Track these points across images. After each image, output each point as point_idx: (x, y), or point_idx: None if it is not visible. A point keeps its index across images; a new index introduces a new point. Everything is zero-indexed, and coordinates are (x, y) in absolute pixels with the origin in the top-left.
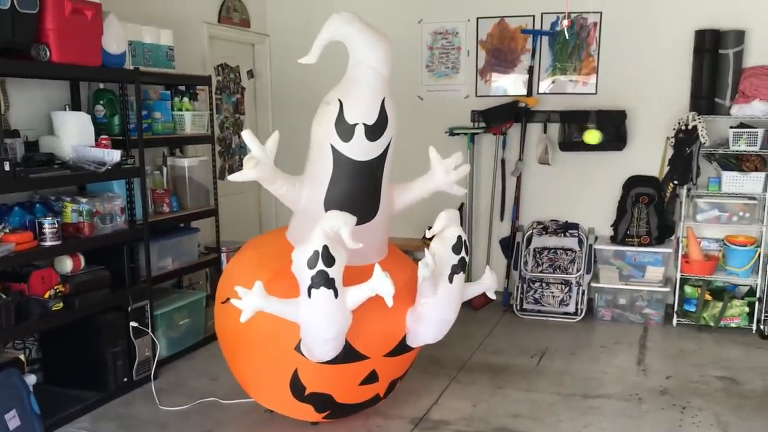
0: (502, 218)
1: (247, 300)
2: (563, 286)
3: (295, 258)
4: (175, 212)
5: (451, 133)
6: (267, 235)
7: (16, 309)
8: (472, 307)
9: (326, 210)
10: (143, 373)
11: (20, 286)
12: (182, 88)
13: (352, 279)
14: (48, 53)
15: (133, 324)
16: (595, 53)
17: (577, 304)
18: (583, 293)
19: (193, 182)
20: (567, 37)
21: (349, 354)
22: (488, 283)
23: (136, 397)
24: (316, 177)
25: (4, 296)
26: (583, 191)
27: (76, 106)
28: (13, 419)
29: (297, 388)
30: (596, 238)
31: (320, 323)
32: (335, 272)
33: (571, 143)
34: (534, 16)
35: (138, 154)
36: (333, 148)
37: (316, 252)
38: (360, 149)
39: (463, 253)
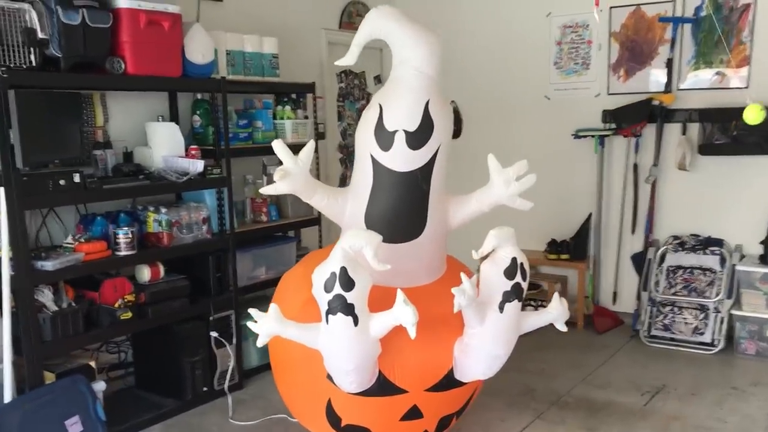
0: (633, 231)
1: (261, 324)
2: (698, 312)
3: (314, 279)
4: (273, 221)
5: (577, 135)
6: (325, 249)
7: (85, 316)
8: (595, 330)
9: (367, 225)
10: (225, 384)
11: (93, 294)
12: (291, 96)
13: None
14: (123, 66)
15: (213, 334)
16: (747, 40)
17: (713, 333)
18: (721, 321)
19: None
20: (597, 21)
21: (384, 387)
22: (555, 313)
23: (213, 407)
24: (359, 189)
25: (73, 304)
26: (729, 202)
27: (174, 116)
28: (74, 425)
29: (333, 417)
30: (742, 257)
31: (338, 353)
32: (355, 297)
33: (714, 146)
34: (674, 2)
35: (225, 164)
36: (372, 158)
37: (333, 274)
38: (401, 159)
39: (518, 278)
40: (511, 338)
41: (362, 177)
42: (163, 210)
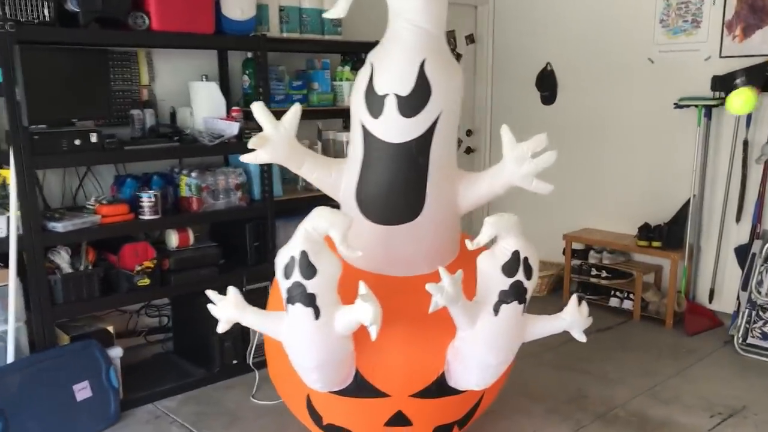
0: (738, 219)
1: (219, 308)
2: None
3: (276, 261)
4: None
5: (678, 105)
6: None
7: (103, 280)
8: (685, 331)
9: (358, 203)
10: (249, 359)
11: (114, 258)
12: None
13: (390, 295)
14: (147, 21)
15: None
16: None
17: None
18: None
19: None
20: None
21: (362, 388)
22: (570, 320)
23: (240, 382)
24: (352, 162)
25: (90, 267)
26: None
27: (223, 76)
28: (83, 390)
29: (314, 414)
30: None
31: (298, 347)
32: (317, 286)
33: None
34: None
35: None
36: (363, 125)
37: (292, 258)
38: (393, 127)
39: (519, 276)
40: (507, 346)
41: (354, 147)
42: (193, 174)
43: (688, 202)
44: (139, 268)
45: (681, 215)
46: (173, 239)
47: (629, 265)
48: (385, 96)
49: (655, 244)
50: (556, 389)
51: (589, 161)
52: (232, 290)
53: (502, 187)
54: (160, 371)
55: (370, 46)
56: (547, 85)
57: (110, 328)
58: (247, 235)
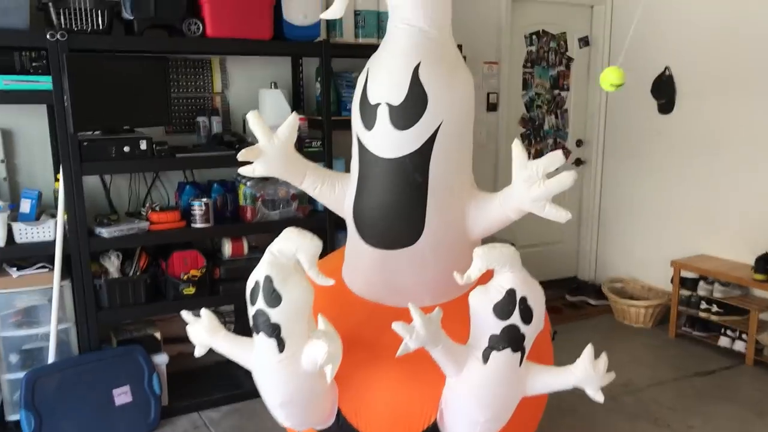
0: None
1: (193, 331)
2: None
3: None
4: None
5: None
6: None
7: (149, 286)
8: None
9: (355, 223)
10: None
11: (164, 265)
12: None
13: (386, 328)
14: (201, 28)
15: None
16: None
17: None
18: None
19: None
20: None
21: (345, 430)
22: (580, 376)
23: None
24: (352, 177)
25: (140, 272)
26: None
27: (296, 83)
28: (123, 395)
29: None
30: None
31: (263, 381)
32: (282, 316)
33: None
34: None
35: (326, 137)
36: (357, 137)
37: (257, 283)
38: (386, 141)
39: (514, 320)
40: (499, 401)
41: (353, 162)
42: (249, 183)
43: None
44: (185, 276)
45: None
46: (227, 248)
47: (745, 300)
48: (377, 105)
49: None
50: None
51: (706, 178)
52: (204, 313)
53: (513, 212)
54: (212, 380)
55: None
56: (664, 91)
57: (157, 334)
58: None
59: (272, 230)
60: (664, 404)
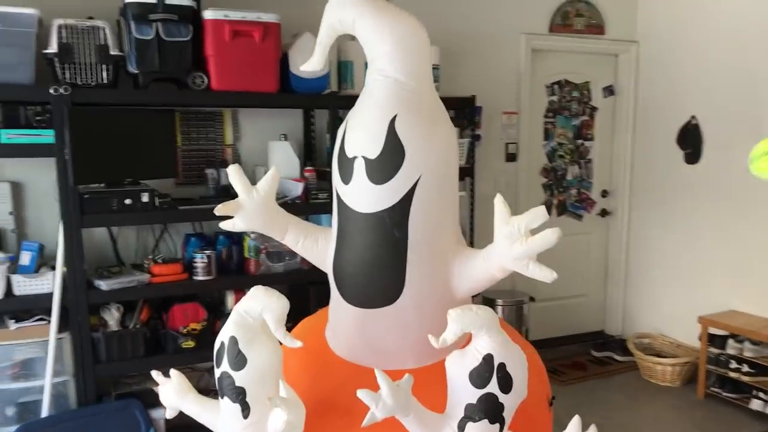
0: None
1: (162, 393)
2: None
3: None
4: None
5: None
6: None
7: (149, 340)
8: None
9: (335, 279)
10: None
11: (164, 318)
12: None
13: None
14: (206, 81)
15: None
16: None
17: None
18: None
19: None
20: None
21: None
22: None
23: None
24: (332, 232)
25: (140, 325)
26: None
27: (308, 134)
28: None
29: None
30: None
31: None
32: (247, 380)
33: None
34: None
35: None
36: (336, 192)
37: (222, 344)
38: (363, 195)
39: (491, 388)
40: None
41: (333, 217)
42: (253, 235)
43: None
44: (184, 329)
45: None
46: (230, 301)
47: None
48: (354, 159)
49: None
50: None
51: (735, 231)
52: (174, 374)
53: (497, 270)
54: None
55: (467, 102)
56: (690, 141)
57: (156, 389)
58: (310, 300)
59: (276, 282)
60: None
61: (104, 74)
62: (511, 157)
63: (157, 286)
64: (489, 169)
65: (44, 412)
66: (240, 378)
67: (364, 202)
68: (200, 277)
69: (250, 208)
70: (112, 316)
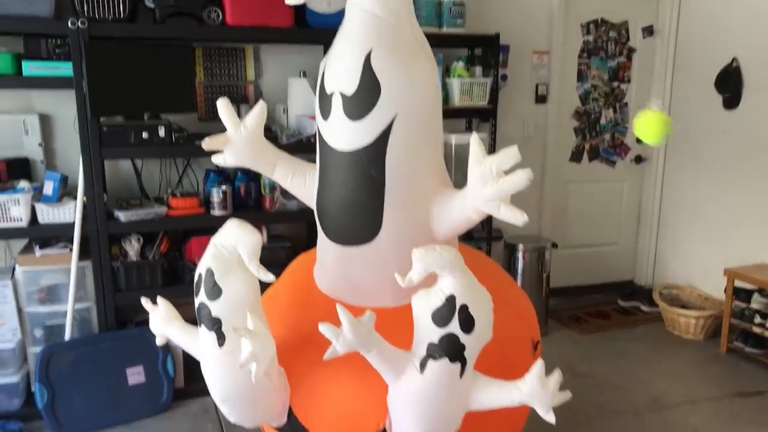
0: None
1: (151, 320)
2: None
3: None
4: None
5: None
6: None
7: (167, 271)
8: None
9: (318, 218)
10: None
11: (183, 250)
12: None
13: None
14: (221, 16)
15: None
16: None
17: None
18: None
19: (463, 163)
20: None
21: (296, 430)
22: (526, 392)
23: None
24: (316, 171)
25: (159, 256)
26: None
27: None
28: (136, 375)
29: None
30: None
31: (207, 375)
32: (222, 310)
33: None
34: None
35: None
36: (318, 129)
37: (199, 276)
38: (340, 132)
39: (452, 328)
40: (437, 412)
41: (317, 155)
42: None
43: None
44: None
45: None
46: None
47: None
48: (332, 95)
49: None
50: None
51: None
52: (161, 301)
53: (472, 212)
54: None
55: (490, 40)
56: (730, 85)
57: None
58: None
59: (291, 220)
60: (691, 425)
61: (121, 8)
62: (541, 99)
63: (174, 219)
64: (516, 111)
65: (67, 335)
66: (216, 308)
67: (342, 139)
68: (217, 212)
69: (238, 143)
70: (132, 247)
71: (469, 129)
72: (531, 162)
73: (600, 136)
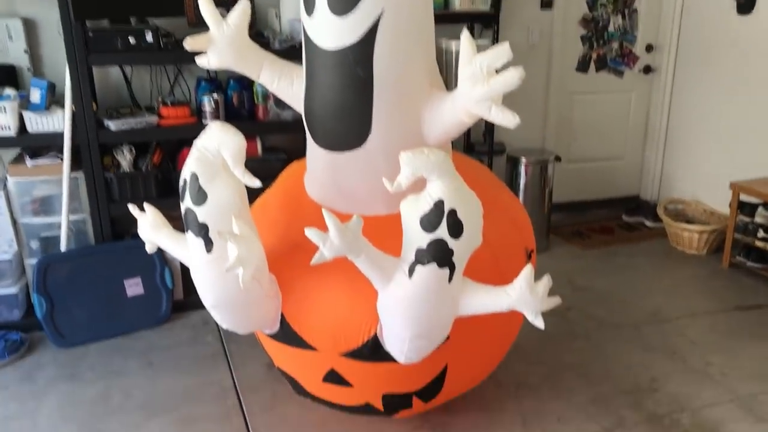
0: None
1: (139, 227)
2: None
3: None
4: None
5: None
6: None
7: (161, 182)
8: None
9: (306, 121)
10: None
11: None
12: None
13: None
14: None
15: None
16: None
17: None
18: None
19: None
20: None
21: (289, 336)
22: (515, 296)
23: None
24: (303, 73)
25: (150, 167)
26: None
27: None
28: (135, 286)
29: (267, 354)
30: None
31: (196, 281)
32: (209, 215)
33: None
34: None
35: None
36: (303, 27)
37: (185, 181)
38: (326, 28)
39: (440, 233)
40: (426, 318)
41: (303, 56)
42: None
43: None
44: None
45: None
46: None
47: None
48: None
49: None
50: (622, 374)
51: None
52: (148, 208)
53: (464, 114)
54: None
55: None
56: None
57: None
58: None
59: (286, 131)
60: (689, 337)
61: None
62: (547, 4)
63: (166, 129)
64: (520, 17)
65: (63, 246)
66: (202, 213)
67: (327, 36)
68: (208, 122)
69: (221, 43)
70: (124, 158)
71: (456, 36)
72: (535, 71)
73: (608, 44)
